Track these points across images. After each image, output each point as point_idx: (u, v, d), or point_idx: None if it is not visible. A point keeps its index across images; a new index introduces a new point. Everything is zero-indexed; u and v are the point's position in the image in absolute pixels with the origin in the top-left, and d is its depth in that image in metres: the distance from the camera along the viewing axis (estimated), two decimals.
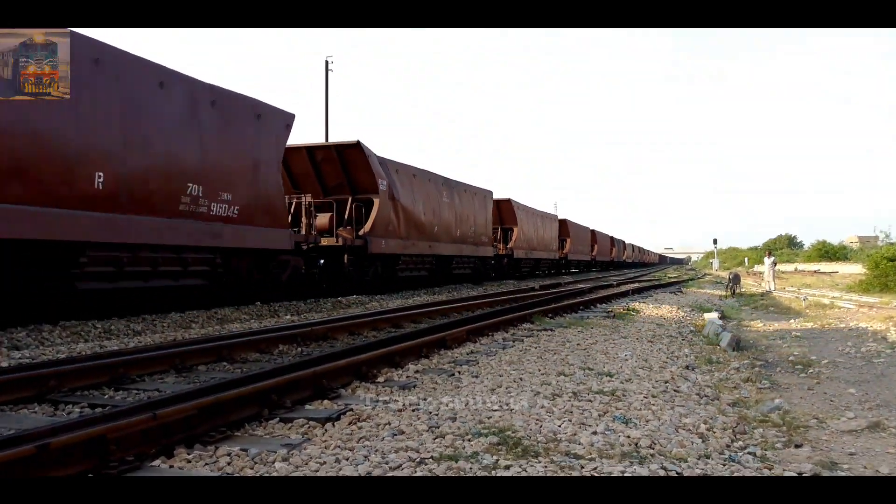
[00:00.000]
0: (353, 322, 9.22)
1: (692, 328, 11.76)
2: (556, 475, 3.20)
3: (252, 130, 12.66)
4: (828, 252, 60.77)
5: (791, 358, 8.57)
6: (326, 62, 36.90)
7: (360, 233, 16.35)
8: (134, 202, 9.76)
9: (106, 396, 5.05)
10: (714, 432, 4.13)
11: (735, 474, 3.40)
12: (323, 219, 15.85)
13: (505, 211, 29.31)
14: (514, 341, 8.12)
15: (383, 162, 17.62)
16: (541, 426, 3.86)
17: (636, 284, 24.51)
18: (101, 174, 9.17)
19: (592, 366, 6.35)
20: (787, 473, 3.57)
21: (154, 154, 10.32)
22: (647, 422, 4.14)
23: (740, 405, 5.59)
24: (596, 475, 3.35)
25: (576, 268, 45.04)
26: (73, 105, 8.54)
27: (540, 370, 6.00)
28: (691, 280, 35.85)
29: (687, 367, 7.15)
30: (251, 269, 12.95)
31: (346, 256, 16.20)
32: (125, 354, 5.93)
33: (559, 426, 3.89)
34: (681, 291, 22.26)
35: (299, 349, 7.43)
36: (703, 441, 3.88)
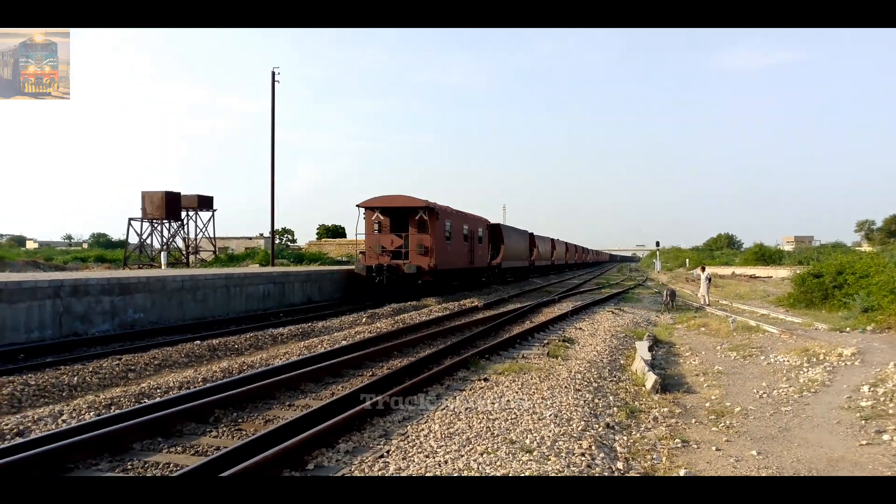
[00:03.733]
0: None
1: (622, 362, 12.33)
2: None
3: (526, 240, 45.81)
4: (764, 255, 63.06)
5: (708, 404, 9.15)
6: (273, 73, 36.72)
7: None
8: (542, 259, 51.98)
9: None
10: None
11: None
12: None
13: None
14: (447, 398, 8.46)
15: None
16: None
17: (576, 302, 25.19)
18: (538, 253, 48.98)
19: (517, 437, 6.72)
20: None
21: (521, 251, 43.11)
22: None
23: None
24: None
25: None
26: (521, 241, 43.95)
27: (466, 446, 6.35)
28: (632, 289, 36.89)
29: (607, 426, 7.60)
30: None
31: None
32: None
33: None
34: (620, 309, 22.97)
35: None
36: None
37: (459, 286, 29.52)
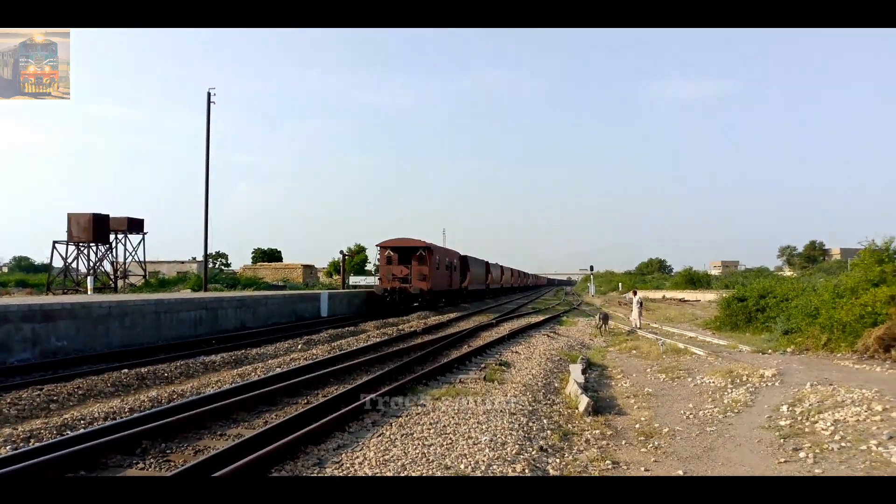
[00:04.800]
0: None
1: (556, 385, 12.55)
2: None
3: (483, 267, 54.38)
4: (693, 279, 65.22)
5: (637, 426, 9.41)
6: (209, 94, 36.21)
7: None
8: (494, 283, 59.82)
9: None
10: None
11: None
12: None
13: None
14: (384, 424, 8.44)
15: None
16: None
17: (514, 324, 25.51)
18: (491, 278, 57.69)
19: (451, 462, 6.76)
20: None
21: (481, 276, 52.19)
22: None
23: None
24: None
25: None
26: (483, 270, 54.29)
27: (400, 473, 6.34)
28: (567, 312, 37.58)
29: (541, 449, 7.72)
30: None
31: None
32: None
33: None
34: (554, 333, 23.35)
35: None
36: None
37: (444, 304, 39.23)
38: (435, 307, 35.71)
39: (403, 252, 34.31)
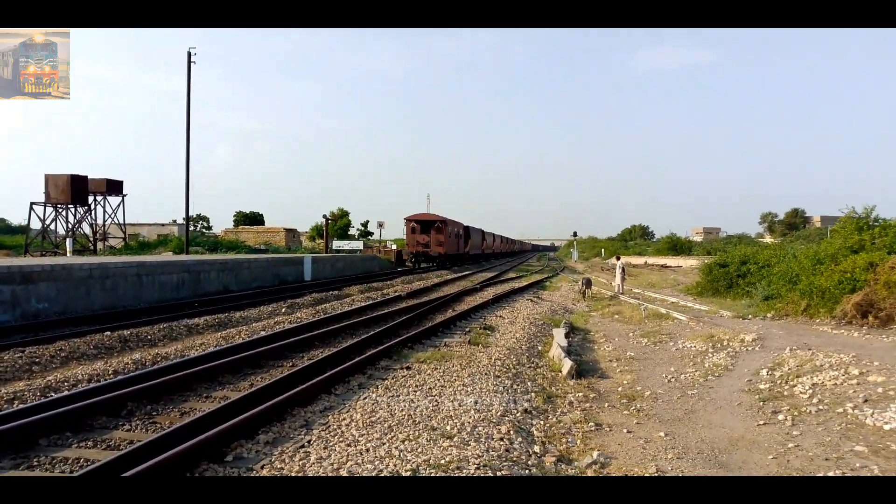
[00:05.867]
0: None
1: (540, 349, 12.66)
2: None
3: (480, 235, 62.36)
4: (675, 245, 65.72)
5: (620, 389, 9.54)
6: (189, 54, 35.44)
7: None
8: (488, 248, 69.15)
9: None
10: None
11: None
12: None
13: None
14: (370, 387, 8.49)
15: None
16: None
17: (498, 288, 25.63)
18: (486, 244, 65.59)
19: (438, 423, 6.83)
20: None
21: (478, 242, 61.17)
22: None
23: (564, 460, 6.27)
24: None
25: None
26: (482, 238, 64.93)
27: (387, 434, 6.40)
28: (551, 278, 37.81)
29: (525, 411, 7.81)
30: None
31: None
32: None
33: None
34: (538, 297, 23.50)
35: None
36: None
37: (451, 265, 47.13)
38: (445, 266, 44.98)
39: (424, 224, 44.82)
